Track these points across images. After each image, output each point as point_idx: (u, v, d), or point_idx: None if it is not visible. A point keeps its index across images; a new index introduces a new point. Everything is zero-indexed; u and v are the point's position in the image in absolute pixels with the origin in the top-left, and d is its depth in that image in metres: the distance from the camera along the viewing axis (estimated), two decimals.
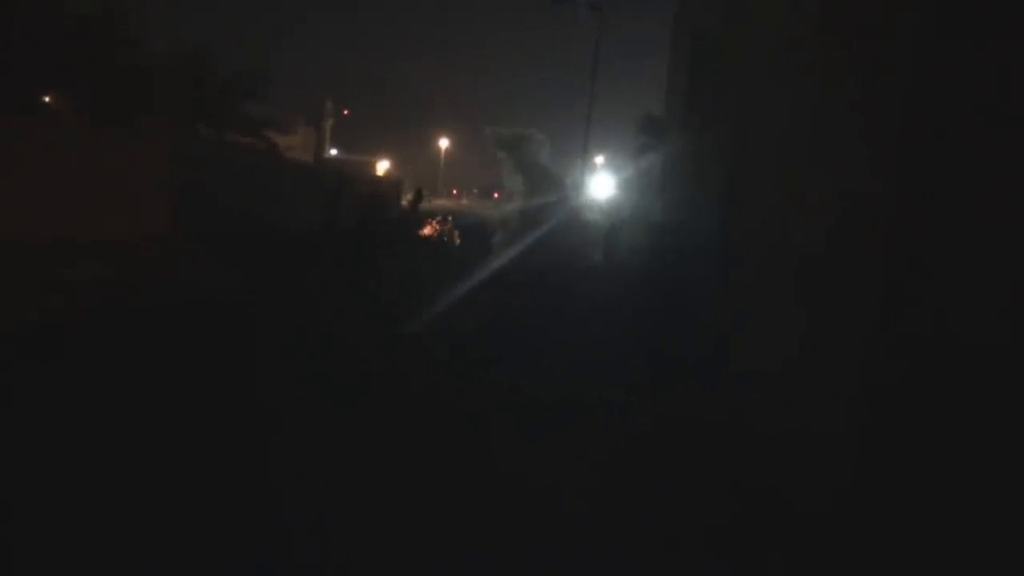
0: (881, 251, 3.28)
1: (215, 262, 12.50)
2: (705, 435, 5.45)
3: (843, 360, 3.65)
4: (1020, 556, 2.87)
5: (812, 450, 4.07)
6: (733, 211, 7.90)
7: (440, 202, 51.29)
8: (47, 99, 16.56)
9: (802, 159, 5.16)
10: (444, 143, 63.01)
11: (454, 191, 65.35)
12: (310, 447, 4.73)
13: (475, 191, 60.02)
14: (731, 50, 9.46)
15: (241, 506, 3.79)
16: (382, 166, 48.63)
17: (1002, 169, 3.00)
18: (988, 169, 3.04)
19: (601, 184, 34.69)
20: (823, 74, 4.86)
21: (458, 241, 19.48)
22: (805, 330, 4.43)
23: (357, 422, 5.30)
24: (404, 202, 30.76)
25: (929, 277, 3.09)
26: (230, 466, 4.26)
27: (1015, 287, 2.95)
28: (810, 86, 5.15)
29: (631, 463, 4.96)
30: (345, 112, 57.79)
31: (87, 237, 12.64)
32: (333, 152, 54.76)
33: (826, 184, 4.44)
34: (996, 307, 2.99)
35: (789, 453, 4.50)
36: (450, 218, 26.44)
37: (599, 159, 40.27)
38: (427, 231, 20.56)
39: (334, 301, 10.67)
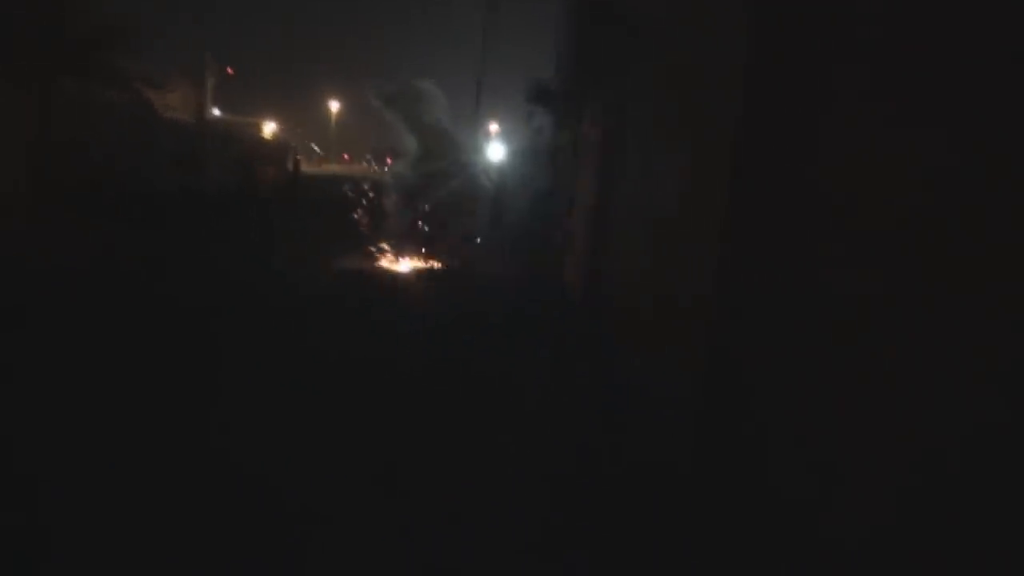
0: (719, 227, 3.37)
1: (75, 222, 11.82)
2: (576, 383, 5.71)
3: (688, 328, 3.75)
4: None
5: (667, 412, 4.18)
6: (608, 180, 8.00)
7: (331, 167, 50.02)
8: None
9: (664, 134, 5.25)
10: (335, 106, 61.08)
11: (346, 156, 63.62)
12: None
13: (368, 156, 58.65)
14: (615, 19, 9.50)
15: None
16: (269, 128, 46.75)
17: (829, 155, 3.09)
18: (818, 154, 3.12)
19: (495, 151, 34.52)
20: (684, 54, 4.94)
21: (342, 205, 18.98)
22: (660, 297, 4.54)
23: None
24: (289, 166, 29.82)
25: (760, 255, 3.17)
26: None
27: (843, 260, 3.05)
28: (676, 65, 5.22)
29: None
30: (229, 71, 55.09)
31: None
32: (216, 112, 52.25)
33: (680, 159, 4.52)
34: (824, 279, 3.10)
35: (650, 414, 4.61)
36: (340, 183, 25.79)
37: (494, 126, 40.02)
38: (311, 193, 20.02)
39: (196, 259, 10.34)
